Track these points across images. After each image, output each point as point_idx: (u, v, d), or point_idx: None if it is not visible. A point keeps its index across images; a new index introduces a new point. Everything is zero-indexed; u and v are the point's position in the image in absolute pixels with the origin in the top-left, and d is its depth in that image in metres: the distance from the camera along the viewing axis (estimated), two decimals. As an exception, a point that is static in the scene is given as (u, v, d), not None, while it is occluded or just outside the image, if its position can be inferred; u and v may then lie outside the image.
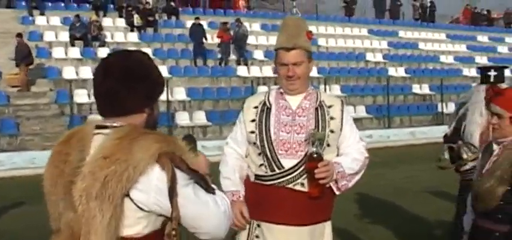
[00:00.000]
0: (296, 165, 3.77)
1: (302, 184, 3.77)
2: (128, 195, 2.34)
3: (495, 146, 3.89)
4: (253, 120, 3.87)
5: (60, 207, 2.47)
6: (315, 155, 3.69)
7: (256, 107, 3.91)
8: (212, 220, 2.48)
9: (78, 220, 2.38)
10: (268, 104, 3.90)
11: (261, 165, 3.83)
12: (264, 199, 3.79)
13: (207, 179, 2.52)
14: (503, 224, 3.68)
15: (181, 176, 2.38)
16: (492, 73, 6.10)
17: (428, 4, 39.82)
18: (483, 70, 6.26)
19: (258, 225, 3.83)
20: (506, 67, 6.73)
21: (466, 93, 6.73)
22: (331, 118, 3.86)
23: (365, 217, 9.88)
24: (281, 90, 3.93)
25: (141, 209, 2.38)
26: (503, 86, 5.68)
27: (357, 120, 24.94)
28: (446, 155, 6.42)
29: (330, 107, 3.90)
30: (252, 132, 3.85)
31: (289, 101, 3.88)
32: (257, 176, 3.88)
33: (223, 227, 2.54)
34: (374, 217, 9.79)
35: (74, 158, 2.47)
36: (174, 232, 2.45)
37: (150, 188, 2.35)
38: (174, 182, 2.36)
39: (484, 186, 3.75)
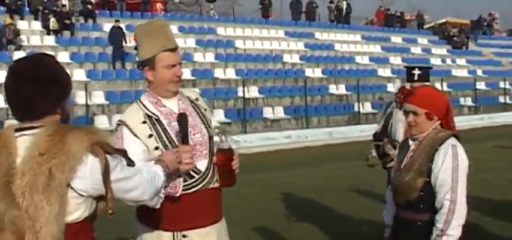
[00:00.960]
0: (208, 164, 3.84)
1: (217, 180, 3.88)
2: (69, 184, 2.62)
3: (411, 142, 4.10)
4: (150, 136, 3.71)
5: (1, 208, 2.60)
6: (226, 148, 3.85)
7: (144, 122, 3.73)
8: (139, 189, 2.90)
9: (22, 216, 2.59)
10: (153, 115, 3.76)
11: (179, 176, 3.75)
12: (186, 209, 3.76)
13: (129, 156, 2.88)
14: (424, 213, 3.91)
15: (111, 159, 2.71)
16: (416, 71, 6.53)
17: (344, 6, 40.84)
18: (407, 69, 6.71)
19: (184, 236, 3.80)
20: (431, 67, 7.34)
21: (392, 93, 7.21)
22: (205, 110, 3.99)
23: (290, 216, 10.06)
24: (153, 97, 3.83)
25: (80, 195, 2.67)
26: (426, 85, 6.09)
27: (275, 121, 25.57)
28: (374, 153, 6.75)
29: (196, 100, 3.99)
30: (156, 148, 3.68)
31: (169, 106, 3.83)
32: None
33: (148, 192, 2.97)
34: (299, 216, 9.99)
35: (3, 161, 2.66)
36: (110, 210, 2.76)
37: (87, 174, 2.65)
38: (107, 166, 2.68)
39: (404, 179, 3.97)
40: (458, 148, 3.92)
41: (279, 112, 26.13)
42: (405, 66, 7.09)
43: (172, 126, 3.74)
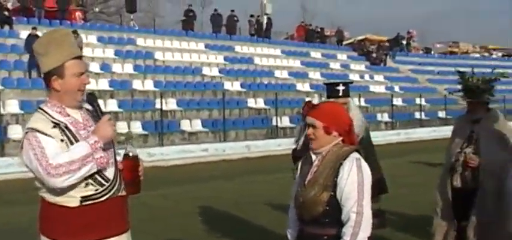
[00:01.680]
0: (115, 172, 3.88)
1: (123, 188, 3.94)
2: None
3: (314, 157, 4.13)
4: (62, 140, 3.72)
5: None
6: (131, 154, 3.94)
7: (54, 127, 3.73)
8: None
9: None
10: (61, 122, 3.76)
11: (87, 184, 3.75)
12: (97, 218, 3.76)
13: None
14: (330, 228, 3.94)
15: None
16: (341, 87, 6.63)
17: (265, 20, 41.35)
18: (330, 85, 6.80)
19: None
20: (351, 82, 7.45)
21: None
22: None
23: (206, 230, 10.09)
24: (57, 107, 3.84)
25: None
26: (349, 100, 6.65)
27: (192, 134, 25.59)
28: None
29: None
30: None
31: (73, 115, 3.85)
32: (85, 198, 3.76)
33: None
34: (215, 230, 10.03)
35: None
36: None
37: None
38: None
39: (309, 195, 3.97)
40: (361, 161, 3.99)
41: (197, 125, 26.20)
42: (326, 83, 7.11)
43: (80, 133, 3.76)
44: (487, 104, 6.69)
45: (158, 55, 32.06)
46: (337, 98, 6.53)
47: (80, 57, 3.87)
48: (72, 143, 3.71)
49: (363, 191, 3.90)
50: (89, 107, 4.02)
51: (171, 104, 26.86)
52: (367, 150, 6.25)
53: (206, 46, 35.52)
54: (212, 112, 27.95)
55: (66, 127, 3.75)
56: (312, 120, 4.13)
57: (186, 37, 36.01)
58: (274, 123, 27.98)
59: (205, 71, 32.23)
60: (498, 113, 6.85)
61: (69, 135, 3.74)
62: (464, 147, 6.55)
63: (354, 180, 3.90)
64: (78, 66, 3.81)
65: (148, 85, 28.29)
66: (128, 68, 29.46)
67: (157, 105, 25.16)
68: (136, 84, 27.88)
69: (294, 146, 7.10)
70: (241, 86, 31.72)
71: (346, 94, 6.63)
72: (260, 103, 30.45)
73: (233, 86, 31.36)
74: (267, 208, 11.89)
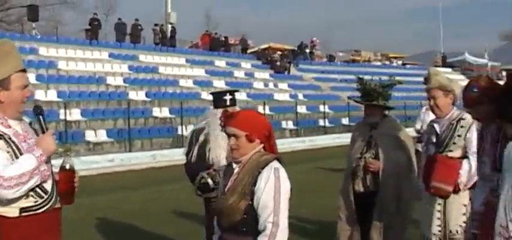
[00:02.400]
0: (53, 184, 3.98)
1: (59, 200, 4.03)
2: None
3: (235, 165, 4.13)
4: (8, 152, 3.79)
5: None
6: (68, 166, 4.05)
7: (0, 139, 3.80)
8: None
9: None
10: (4, 133, 3.83)
11: (28, 196, 3.81)
12: (35, 229, 3.82)
13: None
14: (248, 236, 3.95)
15: None
16: (228, 97, 6.59)
17: (169, 29, 41.49)
18: (217, 94, 6.73)
19: None
20: (237, 90, 7.21)
21: (202, 118, 6.98)
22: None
23: None
24: (0, 118, 3.89)
25: None
26: (237, 108, 6.54)
27: (97, 145, 25.39)
28: (209, 179, 6.32)
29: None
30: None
31: (14, 126, 3.93)
32: (24, 209, 3.82)
33: None
34: None
35: None
36: None
37: None
38: None
39: (228, 202, 3.97)
40: (280, 171, 3.99)
41: (102, 135, 26.11)
42: (212, 93, 6.99)
43: (22, 145, 3.84)
44: (384, 109, 6.86)
45: (61, 64, 31.69)
46: (225, 107, 6.55)
47: (24, 70, 3.96)
48: (16, 155, 3.79)
49: (279, 200, 3.91)
50: (27, 120, 4.14)
51: (75, 114, 26.66)
52: None
53: (110, 55, 35.31)
54: (117, 122, 27.81)
55: (10, 138, 3.82)
56: (233, 130, 4.10)
57: (90, 46, 35.76)
58: (179, 132, 28.06)
59: (110, 80, 32.06)
60: (394, 118, 7.17)
61: (14, 146, 3.81)
62: (364, 152, 6.72)
63: (271, 190, 3.91)
64: (22, 79, 3.92)
65: (52, 95, 27.90)
66: (30, 78, 28.69)
67: (61, 116, 25.00)
68: (39, 94, 27.33)
69: (184, 158, 6.80)
70: (146, 95, 31.70)
71: (233, 103, 6.63)
72: (165, 112, 30.50)
73: (138, 95, 31.31)
74: (175, 217, 11.99)
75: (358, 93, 7.08)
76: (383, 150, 6.63)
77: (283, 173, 4.01)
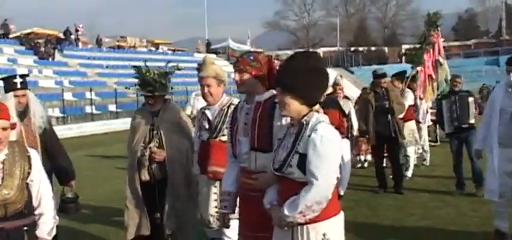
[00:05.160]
0: None
1: None
2: None
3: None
4: None
5: None
6: None
7: None
8: None
9: None
10: None
11: None
12: None
13: None
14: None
15: None
16: (18, 80, 6.53)
17: None
18: (7, 79, 6.61)
19: None
20: (27, 75, 7.15)
21: None
22: None
23: None
24: None
25: None
26: (28, 92, 6.60)
27: None
28: None
29: None
30: None
31: None
32: None
33: None
34: None
35: None
36: None
37: None
38: None
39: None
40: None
41: None
42: (3, 78, 6.87)
43: None
44: (164, 96, 6.79)
45: None
46: (15, 90, 6.50)
47: None
48: None
49: None
50: None
51: None
52: (52, 140, 6.99)
53: None
54: None
55: None
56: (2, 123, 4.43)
57: None
58: None
59: None
60: (174, 103, 7.11)
61: None
62: (148, 141, 6.61)
63: None
64: None
65: None
66: None
67: None
68: None
69: None
70: None
71: (24, 86, 6.58)
72: None
73: None
74: None
75: (126, 80, 6.97)
76: (167, 138, 6.60)
77: None
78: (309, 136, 3.87)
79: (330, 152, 3.84)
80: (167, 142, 6.58)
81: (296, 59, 4.06)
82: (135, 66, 6.77)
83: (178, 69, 7.10)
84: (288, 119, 4.17)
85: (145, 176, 6.58)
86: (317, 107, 4.09)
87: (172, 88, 6.92)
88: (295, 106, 3.99)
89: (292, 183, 3.92)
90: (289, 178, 3.95)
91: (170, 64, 6.94)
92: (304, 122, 3.97)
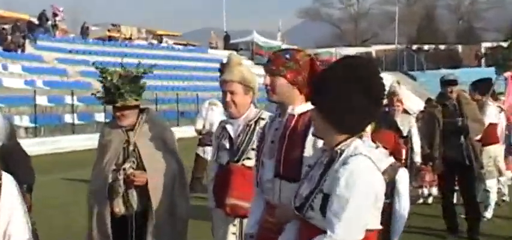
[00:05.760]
0: None
1: None
2: None
3: None
4: None
5: None
6: None
7: None
8: None
9: None
10: None
11: None
12: None
13: None
14: None
15: None
16: None
17: None
18: None
19: None
20: None
21: None
22: None
23: None
24: None
25: None
26: None
27: None
28: None
29: None
30: None
31: None
32: None
33: None
34: None
35: None
36: None
37: None
38: None
39: None
40: None
41: None
42: None
43: None
44: (138, 106, 6.62)
45: None
46: None
47: None
48: None
49: None
50: None
51: None
52: (17, 153, 6.93)
53: None
54: None
55: None
56: None
57: None
58: None
59: None
60: (154, 112, 7.05)
61: None
62: (121, 162, 6.47)
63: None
64: None
65: None
66: None
67: None
68: None
69: None
70: None
71: None
72: None
73: None
74: None
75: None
76: (147, 157, 6.47)
77: None
78: (336, 171, 3.70)
79: (358, 196, 3.60)
80: (148, 162, 6.45)
81: (334, 71, 3.88)
82: (96, 66, 6.66)
83: (150, 72, 6.82)
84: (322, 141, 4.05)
85: (120, 208, 6.43)
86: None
87: (140, 97, 6.63)
88: (328, 131, 3.86)
89: (314, 229, 3.77)
90: (311, 223, 3.82)
91: (143, 63, 6.79)
92: (338, 152, 3.81)
